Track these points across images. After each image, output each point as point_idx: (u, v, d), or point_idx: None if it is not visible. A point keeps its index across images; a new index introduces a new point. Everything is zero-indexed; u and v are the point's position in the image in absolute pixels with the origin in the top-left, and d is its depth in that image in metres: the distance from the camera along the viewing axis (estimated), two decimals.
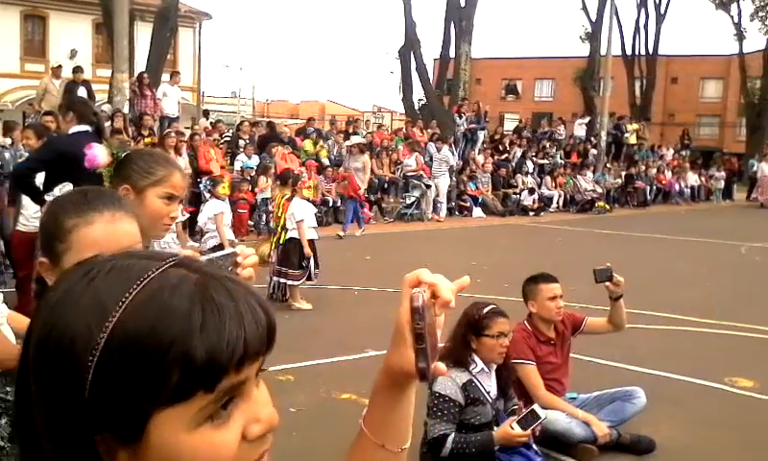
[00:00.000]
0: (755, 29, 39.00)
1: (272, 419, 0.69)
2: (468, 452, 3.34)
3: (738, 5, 37.13)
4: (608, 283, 4.06)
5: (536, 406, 3.47)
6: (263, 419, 0.69)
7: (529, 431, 3.34)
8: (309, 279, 7.48)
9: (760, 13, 37.79)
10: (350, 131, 17.88)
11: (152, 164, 2.02)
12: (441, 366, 0.86)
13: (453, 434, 3.33)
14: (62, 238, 1.50)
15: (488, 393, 3.43)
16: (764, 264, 11.79)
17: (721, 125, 53.26)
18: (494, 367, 3.54)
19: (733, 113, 49.54)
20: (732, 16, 37.15)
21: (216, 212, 7.58)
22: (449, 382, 3.37)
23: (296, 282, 7.40)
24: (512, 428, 3.34)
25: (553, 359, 3.96)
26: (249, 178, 12.77)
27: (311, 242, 7.42)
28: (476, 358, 3.45)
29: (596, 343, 5.08)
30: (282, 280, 7.43)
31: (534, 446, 3.61)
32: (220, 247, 7.50)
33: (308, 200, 7.65)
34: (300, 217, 7.27)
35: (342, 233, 12.96)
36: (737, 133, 46.17)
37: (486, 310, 3.45)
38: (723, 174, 28.32)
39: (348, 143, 15.85)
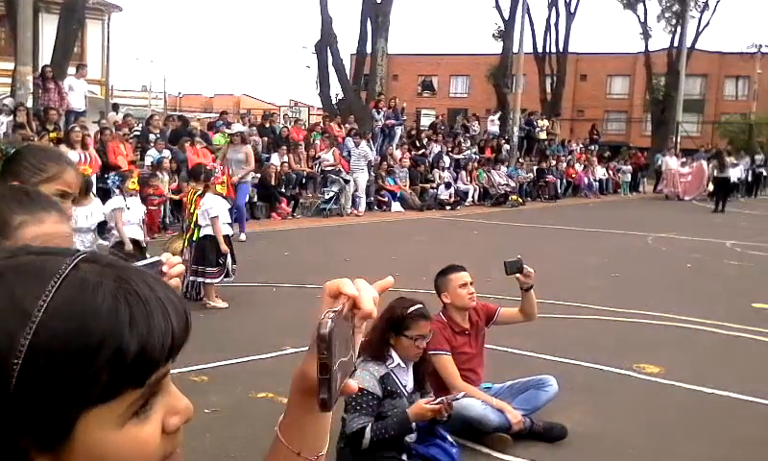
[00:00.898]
0: (660, 28, 40.54)
1: (188, 410, 0.70)
2: (388, 437, 3.33)
3: (645, 5, 38.58)
4: (518, 275, 4.14)
5: (449, 398, 3.48)
6: (181, 410, 0.69)
7: (440, 405, 3.32)
8: (227, 276, 7.33)
9: (666, 14, 39.42)
10: (267, 125, 17.67)
11: (43, 161, 1.93)
12: (351, 383, 0.83)
13: (370, 424, 3.32)
14: (8, 235, 1.43)
15: (404, 386, 3.44)
16: (669, 253, 12.31)
17: (628, 120, 55.37)
18: (411, 364, 3.55)
19: (639, 109, 51.53)
20: (638, 16, 38.57)
21: (114, 208, 7.33)
22: (367, 375, 3.36)
23: (214, 281, 7.23)
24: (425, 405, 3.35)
25: (468, 350, 4.00)
26: (158, 173, 12.41)
27: (227, 238, 7.28)
28: (393, 354, 3.46)
29: (510, 333, 5.18)
30: (200, 279, 7.24)
31: (449, 437, 3.64)
32: (120, 245, 7.27)
33: (221, 195, 7.48)
34: (215, 213, 7.12)
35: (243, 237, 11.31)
36: (643, 128, 48.03)
37: (410, 310, 3.45)
38: (630, 168, 29.46)
39: (228, 131, 14.58)
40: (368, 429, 3.31)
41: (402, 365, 3.49)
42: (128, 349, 0.61)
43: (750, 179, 29.80)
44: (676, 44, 35.41)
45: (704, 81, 55.11)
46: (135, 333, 0.62)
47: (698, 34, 37.03)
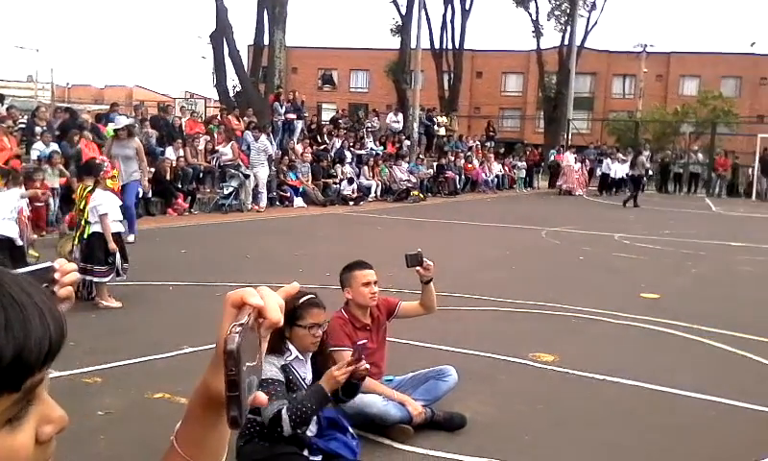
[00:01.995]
0: (551, 26, 41.99)
1: (63, 420, 0.68)
2: (307, 412, 3.28)
3: (536, 3, 39.81)
4: (418, 268, 4.18)
5: (357, 344, 3.45)
6: (55, 420, 0.67)
7: (350, 368, 3.29)
8: (118, 275, 7.05)
9: (556, 12, 40.83)
10: (161, 117, 17.11)
11: None
12: (260, 396, 0.80)
13: (285, 406, 3.27)
14: None
15: (303, 379, 3.41)
16: (562, 247, 12.77)
17: (522, 117, 57.05)
18: (309, 355, 3.52)
19: (533, 107, 53.21)
20: (530, 14, 39.78)
21: None
22: (268, 365, 3.30)
23: (103, 279, 6.94)
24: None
25: (369, 345, 4.00)
26: (45, 167, 11.80)
27: (117, 236, 7.00)
28: (290, 346, 3.42)
29: (411, 326, 5.23)
30: (88, 278, 6.94)
31: (350, 429, 3.64)
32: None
33: (111, 190, 7.18)
34: (104, 210, 6.82)
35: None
36: (537, 125, 49.60)
37: (301, 300, 3.42)
38: (524, 164, 30.41)
39: (112, 126, 13.26)
40: (284, 412, 3.24)
41: (301, 357, 3.46)
42: (3, 353, 0.60)
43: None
44: (566, 43, 36.75)
45: (593, 79, 57.46)
46: (11, 337, 0.60)
47: (587, 33, 38.64)
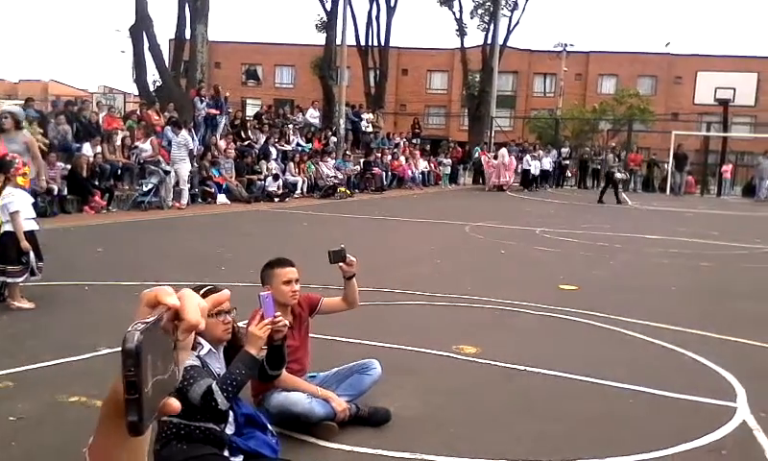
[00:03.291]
0: (474, 25, 42.50)
1: None
2: (239, 377, 3.22)
3: (459, 2, 40.26)
4: (341, 263, 4.17)
5: (261, 295, 3.41)
6: None
7: (266, 321, 3.26)
8: (33, 274, 6.77)
9: (479, 11, 41.40)
10: (76, 112, 16.53)
11: None
12: (173, 402, 0.75)
13: (214, 383, 3.20)
14: None
15: (218, 375, 3.34)
16: (485, 241, 12.97)
17: (447, 115, 57.70)
18: (222, 348, 3.46)
19: (457, 104, 53.81)
20: (454, 13, 40.21)
21: None
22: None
23: (16, 280, 6.65)
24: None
25: (291, 342, 3.96)
26: None
27: (30, 235, 6.72)
28: (202, 340, 3.34)
29: (336, 321, 5.20)
30: (1, 278, 6.65)
31: (270, 427, 3.59)
32: None
33: (23, 188, 6.88)
34: (15, 208, 6.54)
35: None
36: (461, 122, 50.20)
37: (202, 291, 3.35)
38: (450, 161, 30.79)
39: None
40: (214, 385, 3.16)
41: (213, 351, 3.40)
42: None
43: (557, 170, 32.14)
44: (489, 42, 37.34)
45: (515, 77, 58.59)
46: None
47: (509, 32, 39.32)
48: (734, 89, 30.42)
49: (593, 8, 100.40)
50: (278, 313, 3.43)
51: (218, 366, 3.41)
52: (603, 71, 58.04)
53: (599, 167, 32.14)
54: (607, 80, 57.38)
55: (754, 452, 4.01)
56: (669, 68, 55.79)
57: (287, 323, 3.46)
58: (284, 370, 3.83)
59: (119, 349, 0.71)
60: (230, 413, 3.39)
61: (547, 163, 30.67)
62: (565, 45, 54.00)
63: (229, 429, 3.42)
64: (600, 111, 47.21)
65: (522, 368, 5.34)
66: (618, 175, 24.83)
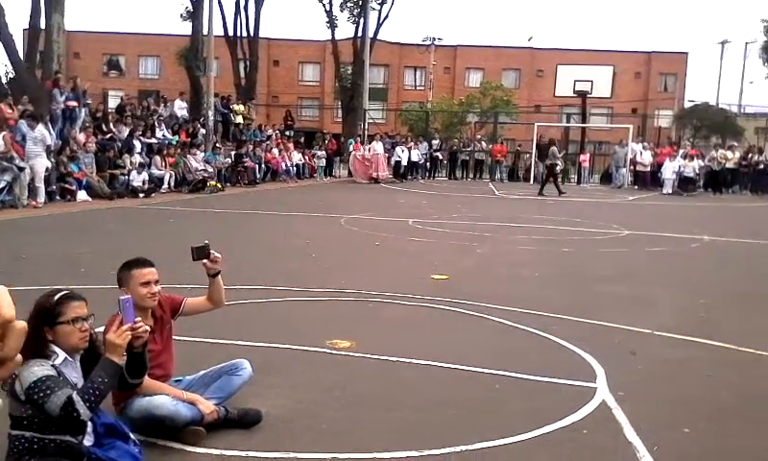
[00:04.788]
0: (345, 18, 42.55)
1: None
2: (101, 386, 3.05)
3: None
4: (205, 260, 4.02)
5: (120, 299, 3.26)
6: None
7: (125, 327, 3.13)
8: None
9: (349, 4, 41.47)
10: None
11: None
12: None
13: (74, 393, 3.00)
14: None
15: (75, 384, 3.14)
16: (360, 233, 13.02)
17: (320, 107, 57.59)
18: (78, 357, 3.25)
19: (331, 96, 53.86)
20: (324, 5, 40.07)
21: None
22: (35, 367, 3.00)
23: None
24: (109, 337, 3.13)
25: (153, 346, 3.77)
26: None
27: None
28: (56, 349, 3.14)
29: (203, 322, 5.03)
30: None
31: (132, 435, 3.41)
32: None
33: None
34: None
35: None
36: (335, 114, 50.28)
37: (57, 297, 3.16)
38: (324, 153, 30.74)
39: None
40: (74, 396, 2.97)
41: (70, 359, 3.19)
42: None
43: (429, 162, 32.79)
44: (360, 34, 37.52)
45: (386, 70, 59.29)
46: None
47: (379, 25, 39.65)
48: (592, 82, 32.06)
49: (461, 2, 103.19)
50: (139, 318, 3.26)
51: (75, 376, 3.20)
52: (470, 65, 59.84)
53: (468, 159, 33.09)
54: (474, 73, 59.22)
55: (613, 430, 4.21)
56: (532, 62, 58.29)
57: (147, 328, 3.30)
58: (147, 376, 3.65)
59: None
60: (89, 423, 3.20)
61: (416, 155, 31.22)
62: (434, 39, 55.20)
63: (88, 441, 3.22)
64: (467, 104, 48.63)
65: (395, 359, 5.37)
66: (559, 167, 25.82)
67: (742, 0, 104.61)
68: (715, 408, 4.67)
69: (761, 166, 29.18)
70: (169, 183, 20.06)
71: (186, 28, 32.77)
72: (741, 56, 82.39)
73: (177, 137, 22.27)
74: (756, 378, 5.37)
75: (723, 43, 56.12)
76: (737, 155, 29.32)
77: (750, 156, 29.58)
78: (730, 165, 28.72)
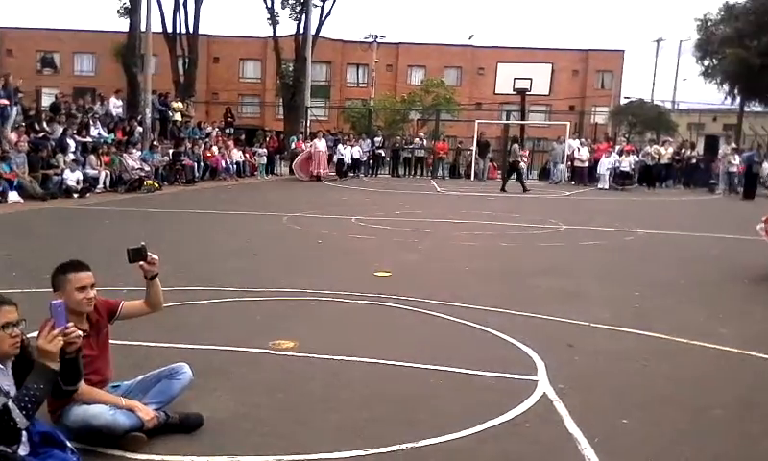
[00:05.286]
0: (286, 15, 42.22)
1: None
2: (36, 392, 2.97)
3: None
4: (142, 262, 3.93)
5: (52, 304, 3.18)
6: None
7: (57, 332, 3.06)
8: None
9: (290, 0, 41.19)
10: None
11: None
12: None
13: (9, 400, 2.92)
14: None
15: (7, 393, 3.04)
16: (302, 232, 12.94)
17: (261, 104, 57.10)
18: (10, 363, 3.15)
19: (272, 94, 53.42)
20: (265, 1, 39.70)
21: None
22: None
23: None
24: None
25: (89, 352, 3.68)
26: None
27: None
28: None
29: (141, 325, 4.93)
30: None
31: (69, 444, 3.32)
32: None
33: None
34: None
35: None
36: (276, 111, 49.87)
37: None
38: (265, 150, 30.45)
39: None
40: (10, 404, 2.88)
41: (1, 366, 3.09)
42: None
43: (371, 159, 32.82)
44: (302, 31, 37.30)
45: (329, 67, 59.14)
46: None
47: (321, 22, 39.47)
48: (531, 80, 32.56)
49: (403, 0, 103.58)
50: (71, 323, 3.17)
51: (7, 384, 3.10)
52: (412, 62, 60.15)
53: (410, 156, 33.24)
54: (416, 71, 59.55)
55: (554, 422, 4.29)
56: (473, 60, 58.94)
57: (80, 333, 3.21)
58: (83, 382, 3.56)
59: None
60: (24, 432, 3.10)
61: (358, 153, 31.21)
62: (376, 37, 55.28)
63: (23, 450, 3.12)
64: (409, 101, 48.88)
65: (339, 358, 5.35)
66: (522, 164, 26.10)
67: None
68: (651, 397, 4.80)
69: (694, 161, 30.16)
70: (104, 183, 19.57)
71: (124, 24, 32.00)
72: (675, 53, 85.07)
73: (112, 136, 21.74)
74: (688, 367, 5.54)
75: (658, 41, 57.96)
76: (671, 150, 30.23)
77: (683, 151, 30.55)
78: (664, 160, 29.58)
